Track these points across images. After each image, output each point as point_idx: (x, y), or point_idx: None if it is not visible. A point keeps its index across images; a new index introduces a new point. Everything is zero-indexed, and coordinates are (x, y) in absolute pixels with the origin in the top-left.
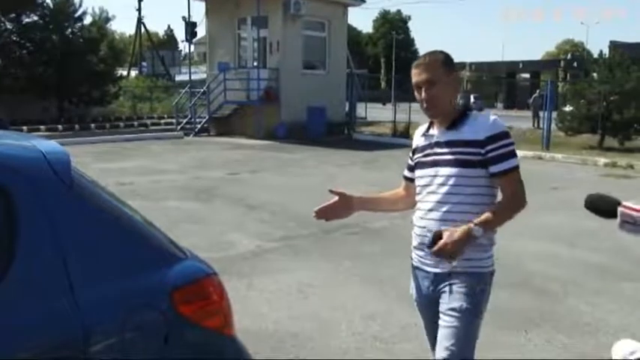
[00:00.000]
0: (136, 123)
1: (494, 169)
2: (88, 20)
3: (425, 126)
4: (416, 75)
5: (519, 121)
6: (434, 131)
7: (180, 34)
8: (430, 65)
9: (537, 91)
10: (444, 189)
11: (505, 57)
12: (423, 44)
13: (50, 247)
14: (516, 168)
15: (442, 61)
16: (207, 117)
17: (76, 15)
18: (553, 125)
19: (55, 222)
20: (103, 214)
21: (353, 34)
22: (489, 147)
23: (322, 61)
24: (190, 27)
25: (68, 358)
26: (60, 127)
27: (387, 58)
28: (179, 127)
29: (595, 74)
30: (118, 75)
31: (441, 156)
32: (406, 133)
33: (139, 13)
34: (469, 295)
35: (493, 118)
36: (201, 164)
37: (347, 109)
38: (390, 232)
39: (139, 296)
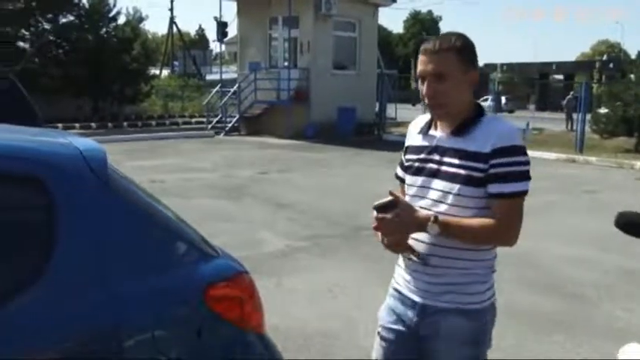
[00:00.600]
0: (167, 122)
1: (493, 188)
2: (121, 20)
3: (424, 120)
4: (422, 63)
5: (552, 122)
6: (435, 132)
7: (211, 33)
8: (441, 54)
9: (571, 92)
10: (439, 207)
11: (537, 58)
12: None
13: (86, 243)
14: (522, 194)
15: (457, 51)
16: (237, 116)
17: (111, 15)
18: (587, 127)
19: (91, 218)
20: (138, 211)
21: (383, 34)
22: (494, 161)
23: (352, 62)
24: (221, 27)
25: (103, 351)
26: (93, 124)
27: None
28: (210, 126)
29: (632, 75)
30: (151, 74)
31: (440, 166)
32: None
33: (172, 13)
34: (463, 342)
35: (508, 126)
36: (232, 163)
37: (377, 109)
38: None
39: (172, 292)
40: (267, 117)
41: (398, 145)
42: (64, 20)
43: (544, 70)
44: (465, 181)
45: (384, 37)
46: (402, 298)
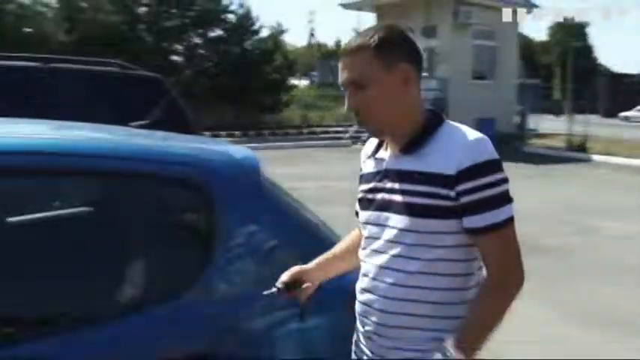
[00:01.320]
0: (305, 131)
1: (470, 222)
2: (264, 33)
3: (375, 142)
4: (340, 71)
5: None
6: (384, 153)
7: None
8: (356, 57)
9: None
10: (394, 250)
11: None
12: (604, 51)
13: (241, 246)
14: (508, 222)
15: (374, 48)
16: None
17: (254, 28)
18: None
19: (246, 222)
20: (289, 217)
21: (524, 42)
22: (464, 186)
23: (491, 71)
24: None
25: (254, 352)
26: (237, 133)
27: (562, 67)
28: (347, 136)
29: None
30: (290, 84)
31: (391, 195)
32: (583, 148)
33: (311, 25)
34: None
35: (475, 136)
36: None
37: (517, 120)
38: (566, 251)
39: (320, 298)
40: None
41: (539, 158)
42: (212, 34)
43: None
44: (424, 212)
45: (525, 45)
46: None
